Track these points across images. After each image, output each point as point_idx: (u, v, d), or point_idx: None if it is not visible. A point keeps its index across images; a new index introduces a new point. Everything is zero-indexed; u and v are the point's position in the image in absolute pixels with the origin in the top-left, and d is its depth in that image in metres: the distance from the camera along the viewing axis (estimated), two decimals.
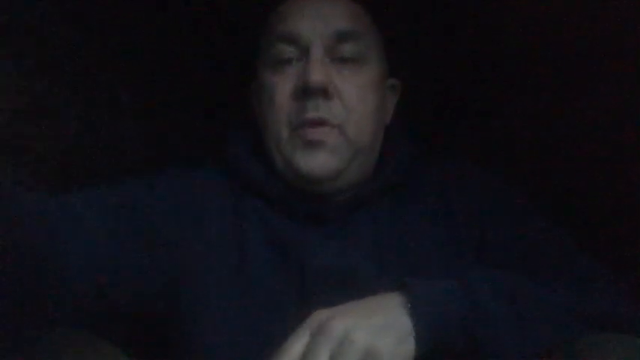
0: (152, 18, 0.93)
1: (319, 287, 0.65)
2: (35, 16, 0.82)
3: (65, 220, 0.60)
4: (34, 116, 0.87)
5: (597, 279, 0.64)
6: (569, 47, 0.81)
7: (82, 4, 0.84)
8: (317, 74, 0.67)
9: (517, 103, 0.94)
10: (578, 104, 0.84)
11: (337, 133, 0.69)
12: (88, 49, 0.87)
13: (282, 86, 0.70)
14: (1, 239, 0.52)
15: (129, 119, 0.96)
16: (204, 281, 0.66)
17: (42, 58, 0.83)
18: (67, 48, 0.86)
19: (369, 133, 0.72)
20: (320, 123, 0.68)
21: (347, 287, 0.64)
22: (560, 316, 0.56)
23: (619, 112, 0.79)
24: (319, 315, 0.52)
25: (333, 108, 0.69)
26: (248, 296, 0.65)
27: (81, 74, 0.88)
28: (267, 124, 0.72)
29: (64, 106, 0.91)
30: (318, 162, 0.68)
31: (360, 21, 0.73)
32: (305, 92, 0.68)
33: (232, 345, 0.63)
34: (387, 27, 0.77)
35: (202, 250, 0.68)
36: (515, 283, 0.58)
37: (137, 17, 0.91)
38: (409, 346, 0.51)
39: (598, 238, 0.78)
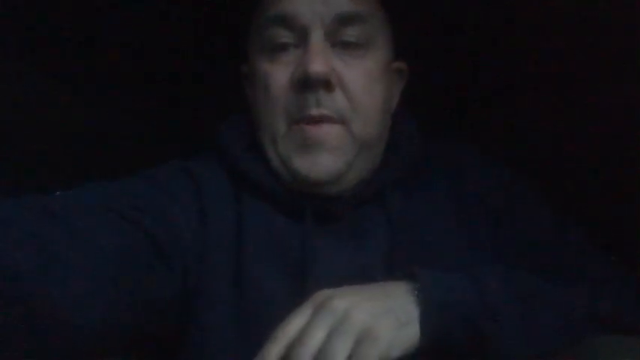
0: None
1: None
2: (34, 15, 0.81)
3: (61, 241, 0.51)
4: (34, 115, 0.87)
5: (610, 279, 0.63)
6: (575, 44, 0.80)
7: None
8: (318, 64, 0.61)
9: (516, 100, 0.94)
10: (580, 102, 0.84)
11: (340, 130, 0.63)
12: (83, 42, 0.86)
13: (279, 76, 0.64)
14: None
15: (129, 116, 0.96)
16: (203, 287, 0.63)
17: (42, 58, 0.83)
18: (66, 47, 0.86)
19: (375, 127, 0.66)
20: (321, 120, 0.63)
21: None
22: (571, 317, 0.55)
23: (622, 111, 0.79)
24: (322, 293, 0.51)
25: (336, 101, 0.63)
26: (246, 304, 0.62)
27: (80, 71, 0.88)
28: (262, 117, 0.66)
29: (64, 106, 0.91)
30: (317, 164, 0.63)
31: (365, 0, 0.66)
32: (304, 84, 0.62)
33: (227, 352, 0.61)
34: (395, 5, 0.70)
35: (205, 255, 0.64)
36: (526, 281, 0.56)
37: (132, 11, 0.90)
38: (411, 333, 0.50)
39: (598, 238, 0.78)
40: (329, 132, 0.63)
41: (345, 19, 0.64)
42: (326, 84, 0.62)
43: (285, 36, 0.64)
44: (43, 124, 0.88)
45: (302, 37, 0.63)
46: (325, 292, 0.51)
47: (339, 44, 0.64)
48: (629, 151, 0.78)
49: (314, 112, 0.62)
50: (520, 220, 0.68)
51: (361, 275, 0.60)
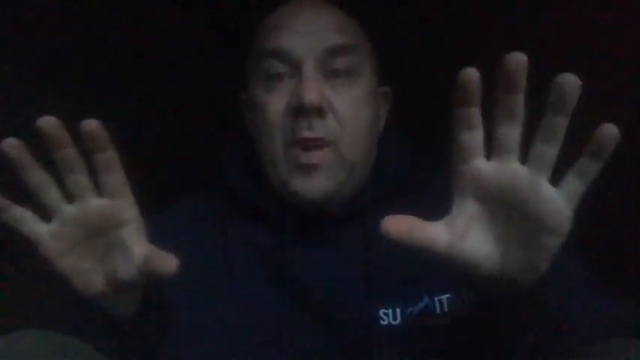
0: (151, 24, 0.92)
1: (306, 304, 0.67)
2: (35, 18, 0.81)
3: None
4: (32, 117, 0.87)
5: (586, 285, 0.64)
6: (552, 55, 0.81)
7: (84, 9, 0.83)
8: (311, 94, 0.66)
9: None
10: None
11: (331, 154, 0.68)
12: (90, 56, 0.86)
13: (275, 105, 0.69)
14: None
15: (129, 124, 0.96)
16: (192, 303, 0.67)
17: (43, 61, 0.82)
18: (66, 50, 0.85)
19: (363, 149, 0.71)
20: (314, 143, 0.67)
21: (333, 304, 0.67)
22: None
23: (612, 115, 0.79)
24: None
25: (327, 125, 0.68)
26: (235, 308, 0.67)
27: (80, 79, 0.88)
28: (261, 141, 0.71)
29: (60, 108, 0.90)
30: (314, 186, 0.68)
31: (351, 33, 0.72)
32: (299, 111, 0.67)
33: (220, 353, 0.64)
34: (378, 37, 0.75)
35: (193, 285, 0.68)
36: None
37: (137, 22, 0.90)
38: None
39: (598, 239, 0.79)
40: (321, 156, 0.68)
41: (334, 51, 0.69)
42: (318, 111, 0.67)
43: (280, 67, 0.69)
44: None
45: (296, 68, 0.69)
46: None
47: (329, 73, 0.69)
48: (627, 152, 0.79)
49: (307, 134, 0.67)
50: None
51: (336, 293, 0.67)
